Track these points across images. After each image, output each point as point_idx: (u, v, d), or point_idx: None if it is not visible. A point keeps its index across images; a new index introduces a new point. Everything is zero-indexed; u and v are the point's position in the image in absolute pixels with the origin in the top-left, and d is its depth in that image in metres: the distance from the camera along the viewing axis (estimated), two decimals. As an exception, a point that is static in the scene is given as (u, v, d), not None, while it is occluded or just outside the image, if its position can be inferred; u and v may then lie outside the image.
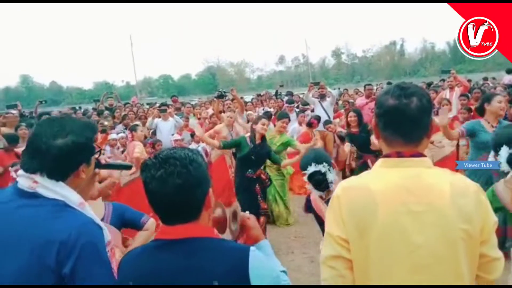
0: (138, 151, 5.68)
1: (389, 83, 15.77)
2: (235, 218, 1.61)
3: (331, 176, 2.83)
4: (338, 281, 1.31)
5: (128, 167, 2.33)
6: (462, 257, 1.25)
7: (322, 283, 1.35)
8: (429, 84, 13.70)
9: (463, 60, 63.33)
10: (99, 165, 1.77)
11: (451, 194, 1.26)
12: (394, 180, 1.30)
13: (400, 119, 1.32)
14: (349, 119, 5.90)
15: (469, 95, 7.66)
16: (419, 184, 1.29)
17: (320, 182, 2.80)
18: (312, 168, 2.78)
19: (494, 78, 15.43)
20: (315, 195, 2.85)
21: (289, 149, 5.80)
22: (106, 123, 7.76)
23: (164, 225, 1.32)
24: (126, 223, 2.59)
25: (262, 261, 1.31)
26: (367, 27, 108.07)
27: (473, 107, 6.63)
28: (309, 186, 2.86)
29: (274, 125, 6.14)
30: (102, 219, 2.47)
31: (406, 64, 72.37)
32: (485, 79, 15.48)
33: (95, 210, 2.44)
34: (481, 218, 1.27)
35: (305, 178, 2.83)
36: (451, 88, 7.84)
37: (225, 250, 1.29)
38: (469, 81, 13.20)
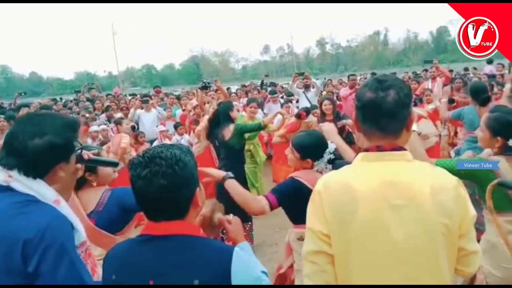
0: (126, 141, 5.63)
1: (373, 74, 15.89)
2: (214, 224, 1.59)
3: None
4: (320, 276, 1.31)
5: (115, 164, 2.25)
6: (442, 251, 1.26)
7: (305, 279, 1.35)
8: (416, 74, 13.85)
9: (446, 50, 64.27)
10: (81, 160, 1.75)
11: (431, 188, 1.26)
12: (374, 175, 1.30)
13: (377, 112, 1.32)
14: (324, 107, 5.83)
15: (452, 85, 7.74)
16: (400, 178, 1.28)
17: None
18: (333, 146, 2.62)
19: (475, 68, 15.61)
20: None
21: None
22: (87, 115, 7.61)
23: (149, 221, 1.31)
24: (131, 207, 2.30)
25: (245, 262, 1.31)
26: (351, 17, 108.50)
27: (455, 97, 6.71)
28: (324, 165, 2.60)
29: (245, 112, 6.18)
30: (93, 210, 2.36)
31: (389, 54, 72.92)
32: (466, 69, 15.66)
33: (89, 198, 2.41)
34: (460, 213, 1.28)
35: (328, 156, 2.59)
36: (433, 79, 7.92)
37: (208, 250, 1.29)
38: (451, 71, 13.36)
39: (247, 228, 4.64)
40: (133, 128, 7.63)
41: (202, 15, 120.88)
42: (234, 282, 1.24)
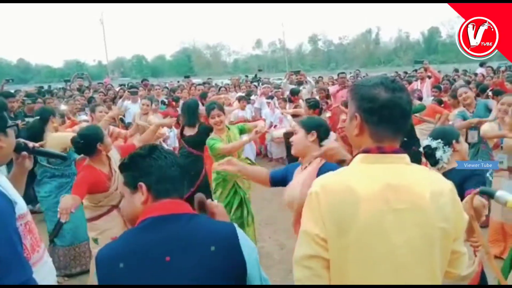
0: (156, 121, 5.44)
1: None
2: (202, 207, 1.60)
3: None
4: (314, 281, 1.26)
5: (62, 157, 2.34)
6: (437, 255, 1.25)
7: (296, 283, 1.29)
8: (408, 74, 13.97)
9: (436, 50, 64.69)
10: (27, 149, 1.91)
11: (430, 192, 1.25)
12: (375, 177, 1.27)
13: (395, 113, 1.29)
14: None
15: (441, 86, 7.83)
16: (400, 181, 1.26)
17: None
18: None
19: (465, 71, 15.81)
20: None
21: None
22: (63, 107, 7.29)
23: (153, 202, 1.37)
24: None
25: (245, 236, 1.42)
26: (343, 15, 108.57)
27: (444, 99, 6.82)
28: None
29: None
30: None
31: (380, 52, 73.06)
32: (456, 70, 15.87)
33: None
34: (456, 216, 1.29)
35: None
36: (422, 79, 7.99)
37: (214, 223, 1.42)
38: (456, 71, 13.55)
39: None
40: (121, 120, 7.55)
41: (194, 6, 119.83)
42: (245, 253, 1.35)
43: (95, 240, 3.31)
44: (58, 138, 4.10)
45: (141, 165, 1.40)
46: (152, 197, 1.38)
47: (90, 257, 4.40)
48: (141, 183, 1.38)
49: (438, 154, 2.67)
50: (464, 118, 5.00)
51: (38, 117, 4.26)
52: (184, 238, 1.30)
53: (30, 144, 1.93)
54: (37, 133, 4.09)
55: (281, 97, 8.50)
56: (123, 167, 1.45)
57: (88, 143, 3.15)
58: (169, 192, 1.39)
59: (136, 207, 1.39)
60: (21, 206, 1.60)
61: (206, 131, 4.65)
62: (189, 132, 4.88)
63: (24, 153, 1.90)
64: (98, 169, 3.23)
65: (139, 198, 1.38)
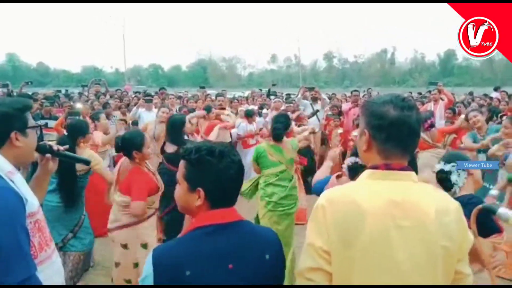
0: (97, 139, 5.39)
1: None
2: None
3: None
4: None
5: (85, 162, 2.35)
6: (440, 274, 1.26)
7: None
8: (422, 95, 13.92)
9: (452, 73, 64.26)
10: (51, 152, 1.89)
11: (435, 211, 1.26)
12: (381, 193, 1.28)
13: (403, 131, 1.31)
14: None
15: (456, 109, 7.78)
16: (406, 198, 1.27)
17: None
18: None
19: (485, 95, 15.57)
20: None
21: None
22: (78, 105, 7.32)
23: (209, 210, 1.37)
24: None
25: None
26: (359, 33, 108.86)
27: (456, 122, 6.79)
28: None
29: None
30: None
31: (395, 72, 72.66)
32: (471, 93, 15.74)
33: None
34: (461, 236, 1.29)
35: None
36: (435, 101, 7.95)
37: (261, 229, 1.54)
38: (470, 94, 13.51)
39: None
40: (132, 125, 7.60)
41: (212, 19, 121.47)
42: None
43: (144, 246, 3.29)
44: (87, 155, 3.85)
45: (207, 170, 1.35)
46: (208, 204, 1.37)
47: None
48: (201, 189, 1.36)
49: (454, 177, 2.56)
50: (474, 140, 5.03)
51: (66, 134, 3.96)
52: (242, 246, 1.35)
53: (55, 146, 1.92)
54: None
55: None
56: (188, 159, 1.38)
57: (125, 147, 3.29)
58: (225, 202, 1.39)
59: (190, 204, 1.39)
60: (32, 204, 1.60)
61: None
62: (171, 149, 4.53)
63: (48, 155, 1.90)
64: (146, 171, 3.37)
65: (194, 200, 1.37)
